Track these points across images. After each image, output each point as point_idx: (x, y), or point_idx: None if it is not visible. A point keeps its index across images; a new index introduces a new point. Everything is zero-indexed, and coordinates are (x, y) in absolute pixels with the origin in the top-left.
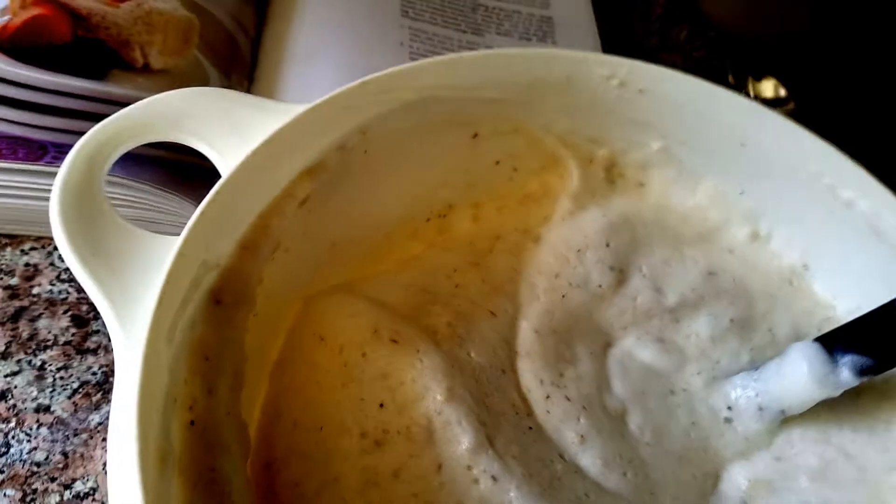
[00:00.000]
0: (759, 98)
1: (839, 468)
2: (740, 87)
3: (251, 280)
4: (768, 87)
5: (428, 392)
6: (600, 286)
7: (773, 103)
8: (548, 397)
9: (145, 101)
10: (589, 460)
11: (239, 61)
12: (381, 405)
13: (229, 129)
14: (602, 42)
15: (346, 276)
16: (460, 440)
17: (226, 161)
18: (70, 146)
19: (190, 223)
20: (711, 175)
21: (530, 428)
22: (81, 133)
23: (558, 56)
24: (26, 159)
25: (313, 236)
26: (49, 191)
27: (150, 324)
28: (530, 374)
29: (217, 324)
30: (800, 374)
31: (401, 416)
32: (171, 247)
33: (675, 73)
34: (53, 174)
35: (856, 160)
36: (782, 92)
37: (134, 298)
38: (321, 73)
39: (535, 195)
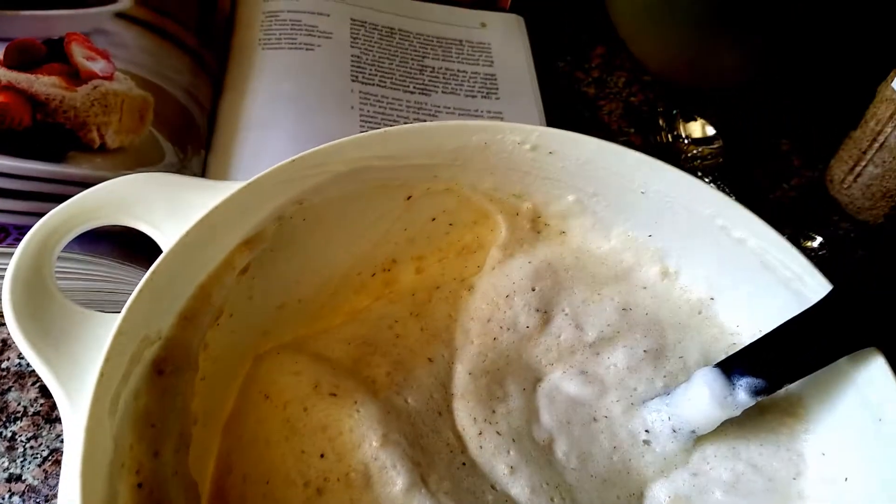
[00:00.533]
0: (689, 138)
1: (749, 480)
2: (671, 129)
3: (193, 348)
4: (696, 128)
5: (364, 440)
6: (528, 327)
7: (702, 141)
8: (480, 433)
9: (93, 189)
10: (518, 489)
11: (194, 134)
12: (322, 455)
13: (171, 211)
14: (542, 94)
15: (296, 334)
16: (395, 481)
17: (167, 240)
18: (30, 228)
19: (129, 302)
20: (621, 221)
21: (464, 464)
22: (41, 214)
23: (475, 127)
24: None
25: (259, 300)
26: None
27: (92, 398)
28: (464, 414)
29: (160, 392)
30: (703, 398)
31: (340, 463)
32: (109, 323)
33: (578, 136)
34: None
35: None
36: (710, 130)
37: (80, 375)
38: (275, 140)
39: (471, 247)
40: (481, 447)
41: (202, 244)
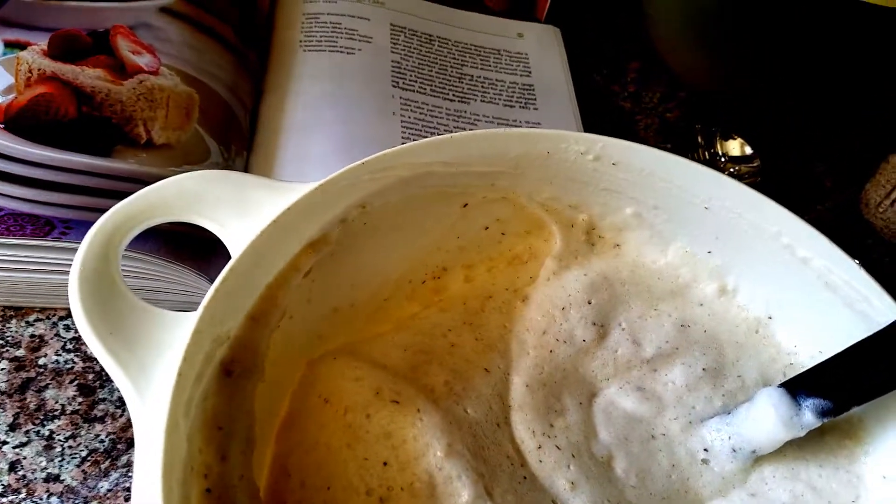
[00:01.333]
0: (726, 156)
1: (807, 502)
2: (709, 147)
3: (260, 350)
4: (735, 146)
5: (429, 449)
6: (584, 340)
7: (739, 160)
8: (539, 447)
9: (160, 184)
10: None
11: (237, 133)
12: (385, 463)
13: (238, 211)
14: (580, 106)
15: (348, 339)
16: (461, 493)
17: (235, 240)
18: (76, 221)
19: (205, 301)
20: (680, 236)
21: (525, 477)
22: (87, 209)
23: (540, 135)
24: (33, 235)
25: (316, 303)
26: (55, 264)
27: (171, 400)
28: (523, 426)
29: (228, 394)
30: (767, 418)
31: (404, 472)
32: (182, 323)
33: (644, 147)
34: (59, 249)
35: (804, 220)
36: (748, 150)
37: (150, 373)
38: (317, 143)
39: (523, 257)
40: (541, 461)
41: (272, 245)
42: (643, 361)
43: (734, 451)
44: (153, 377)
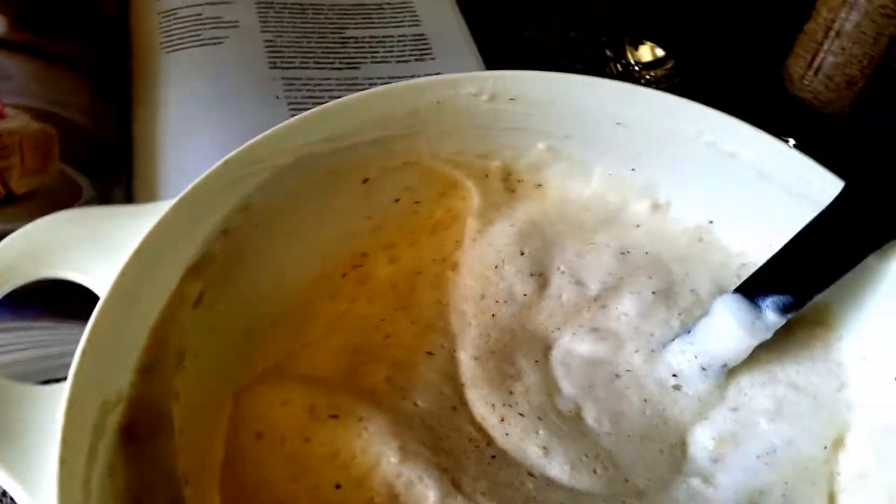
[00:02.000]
0: (639, 63)
1: (792, 402)
2: (619, 58)
3: (162, 403)
4: (646, 52)
5: (381, 458)
6: (525, 295)
7: (653, 65)
8: (502, 419)
9: (2, 243)
10: (557, 469)
11: (109, 161)
12: (338, 486)
13: (98, 250)
14: (479, 46)
15: (276, 356)
16: (426, 495)
17: (102, 285)
18: None
19: (72, 368)
20: (600, 161)
21: (493, 457)
22: None
23: (424, 84)
24: None
25: (223, 331)
26: None
27: (58, 488)
28: (480, 402)
29: (137, 461)
30: (729, 327)
31: (360, 490)
32: (60, 397)
33: (538, 75)
34: None
35: (731, 111)
36: (660, 52)
37: (37, 462)
38: (200, 151)
39: (444, 222)
40: (507, 434)
41: (143, 281)
42: (591, 301)
43: (704, 369)
44: (41, 466)
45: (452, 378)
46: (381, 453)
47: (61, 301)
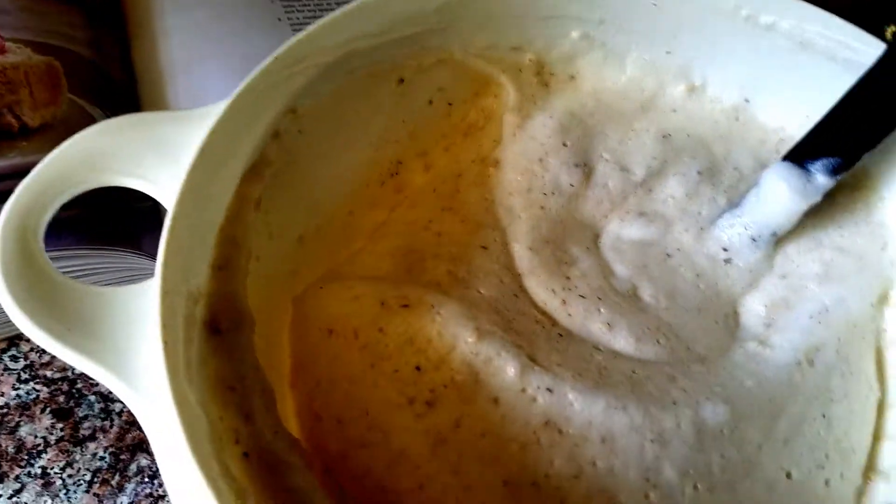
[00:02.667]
0: None
1: (839, 264)
2: None
3: (240, 298)
4: None
5: (457, 339)
6: (572, 185)
7: None
8: (564, 302)
9: (58, 150)
10: (622, 342)
11: (116, 90)
12: (418, 368)
13: (157, 155)
14: None
15: (325, 267)
16: (506, 370)
17: (165, 189)
18: None
19: (159, 259)
20: (634, 46)
21: (560, 335)
22: None
23: None
24: None
25: (279, 236)
26: None
27: (167, 371)
28: (540, 289)
29: (226, 353)
30: (780, 194)
31: (440, 371)
32: (141, 294)
33: None
34: None
35: None
36: None
37: (130, 356)
38: (206, 75)
39: (478, 123)
40: (570, 315)
41: (208, 181)
42: (637, 185)
43: (754, 240)
44: (136, 360)
45: (509, 269)
46: (457, 335)
47: (91, 231)
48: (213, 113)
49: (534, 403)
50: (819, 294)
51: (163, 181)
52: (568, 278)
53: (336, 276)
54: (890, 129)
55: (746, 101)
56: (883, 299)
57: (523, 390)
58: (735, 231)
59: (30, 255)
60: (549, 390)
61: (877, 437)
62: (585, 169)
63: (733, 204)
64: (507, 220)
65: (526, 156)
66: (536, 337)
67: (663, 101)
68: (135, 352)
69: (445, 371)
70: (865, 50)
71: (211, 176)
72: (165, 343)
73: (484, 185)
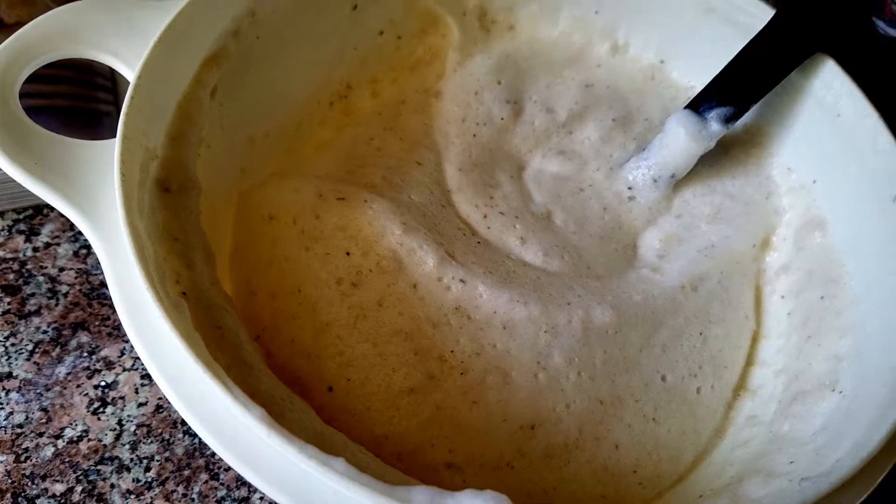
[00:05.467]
0: None
1: (728, 208)
2: None
3: (189, 167)
4: None
5: (385, 230)
6: (502, 119)
7: None
8: (485, 217)
9: (36, 21)
10: (532, 255)
11: None
12: (348, 253)
13: (127, 34)
14: None
15: (271, 169)
16: (426, 260)
17: (132, 66)
18: None
19: (123, 110)
20: (567, 3)
21: (478, 242)
22: None
23: None
24: None
25: (230, 130)
26: None
27: (121, 200)
28: (466, 204)
29: (173, 210)
30: (679, 139)
31: (367, 256)
32: (106, 147)
33: None
34: None
35: None
36: None
37: (89, 191)
38: None
39: (424, 59)
40: (489, 227)
41: (170, 61)
42: (559, 126)
43: (655, 181)
44: (94, 194)
45: (440, 184)
46: (386, 227)
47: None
48: (180, 4)
49: (448, 291)
50: (708, 232)
51: (131, 58)
52: (491, 198)
53: (282, 174)
54: (773, 83)
55: (662, 62)
56: (765, 243)
57: (440, 279)
58: (640, 172)
59: (5, 104)
60: (462, 281)
61: (749, 362)
62: (515, 106)
63: (640, 149)
64: (442, 145)
65: (464, 88)
66: (457, 240)
67: (590, 55)
68: (93, 186)
69: (372, 256)
70: (760, 15)
71: (173, 54)
72: (122, 175)
73: (425, 112)
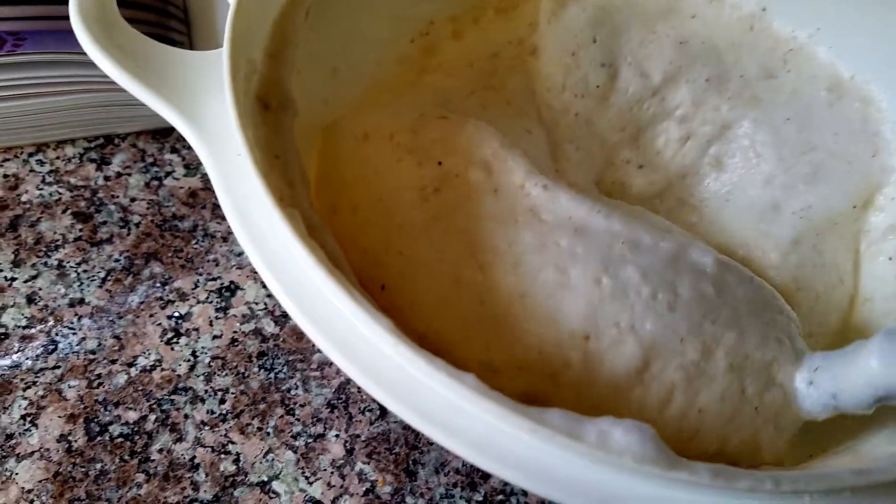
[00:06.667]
0: None
1: (829, 167)
2: None
3: (287, 86)
4: None
5: (483, 143)
6: (598, 86)
7: None
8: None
9: None
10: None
11: None
12: (440, 163)
13: None
14: None
15: (351, 107)
16: (515, 170)
17: None
18: (28, 32)
19: (230, 15)
20: None
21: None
22: (37, 18)
23: None
24: None
25: (317, 58)
26: (12, 86)
27: (233, 104)
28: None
29: (273, 126)
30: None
31: (457, 165)
32: (203, 56)
33: None
34: (16, 66)
35: None
36: None
37: (194, 99)
38: None
39: (511, 1)
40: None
41: None
42: (652, 92)
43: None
44: (198, 102)
45: (546, 158)
46: (484, 141)
47: None
48: None
49: (527, 197)
50: (805, 192)
51: None
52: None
53: (376, 105)
54: None
55: (763, 9)
56: (868, 204)
57: (522, 186)
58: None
59: (102, 6)
60: (545, 187)
61: (846, 327)
62: (611, 70)
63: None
64: (547, 117)
65: (561, 46)
66: (550, 172)
67: (685, 4)
68: (200, 99)
69: (461, 165)
70: None
71: None
72: (233, 78)
73: (523, 72)
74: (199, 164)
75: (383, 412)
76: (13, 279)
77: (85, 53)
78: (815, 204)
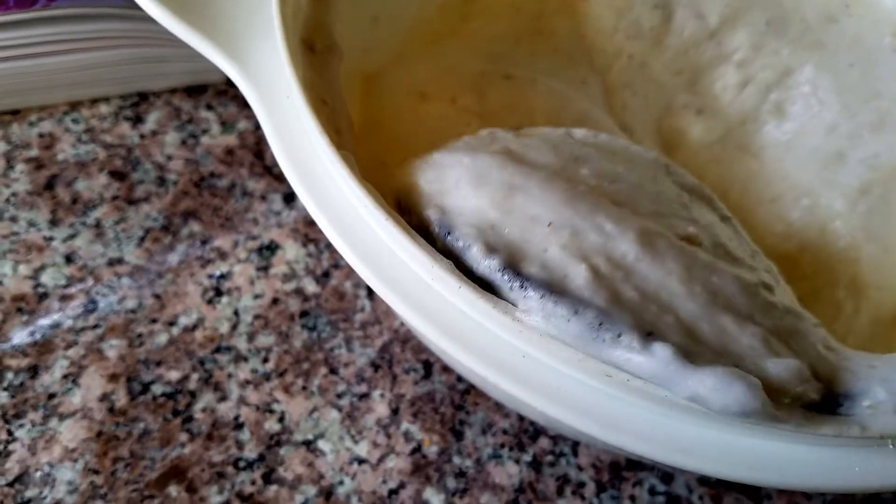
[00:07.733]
0: None
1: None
2: None
3: (332, 30)
4: None
5: (562, 111)
6: (651, 28)
7: None
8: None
9: None
10: None
11: None
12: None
13: None
14: None
15: (392, 56)
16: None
17: None
18: None
19: None
20: None
21: None
22: None
23: None
24: (18, 7)
25: (358, 5)
26: (48, 42)
27: (284, 43)
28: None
29: (319, 70)
30: None
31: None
32: None
33: None
34: (51, 20)
35: None
36: None
37: (240, 41)
38: None
39: None
40: None
41: None
42: (709, 35)
43: None
44: (244, 45)
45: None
46: (562, 108)
47: None
48: None
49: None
50: (871, 141)
51: None
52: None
53: (421, 57)
54: None
55: None
56: None
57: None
58: None
59: None
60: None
61: None
62: (664, 12)
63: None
64: (599, 63)
65: None
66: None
67: None
68: (246, 41)
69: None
70: None
71: None
72: (283, 16)
73: (572, 16)
74: (235, 121)
75: (427, 372)
76: (51, 238)
77: (119, 6)
78: (882, 153)
